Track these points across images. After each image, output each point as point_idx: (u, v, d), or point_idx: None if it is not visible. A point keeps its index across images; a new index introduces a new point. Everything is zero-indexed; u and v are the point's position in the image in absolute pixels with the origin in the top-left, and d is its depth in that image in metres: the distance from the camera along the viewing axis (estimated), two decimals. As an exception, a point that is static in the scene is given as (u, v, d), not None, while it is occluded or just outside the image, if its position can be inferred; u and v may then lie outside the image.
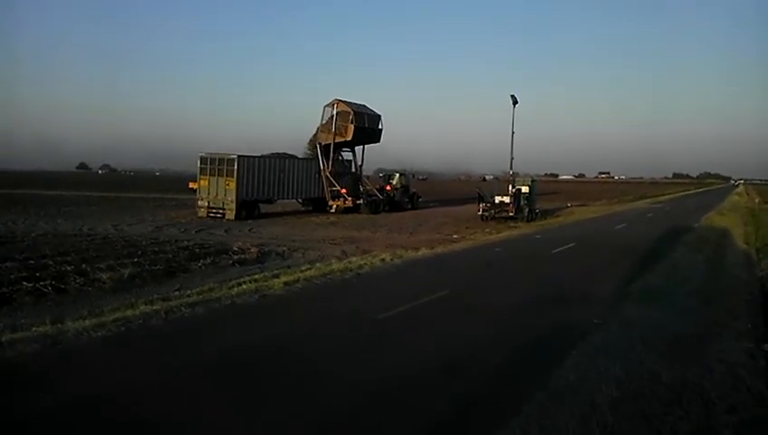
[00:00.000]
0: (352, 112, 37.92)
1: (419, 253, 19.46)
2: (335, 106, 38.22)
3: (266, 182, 34.11)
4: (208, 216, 32.36)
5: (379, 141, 41.27)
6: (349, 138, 37.79)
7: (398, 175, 45.42)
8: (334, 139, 37.78)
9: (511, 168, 36.19)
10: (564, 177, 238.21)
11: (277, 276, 14.24)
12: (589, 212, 44.68)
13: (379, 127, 40.72)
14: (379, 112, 40.80)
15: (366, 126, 39.16)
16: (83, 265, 15.18)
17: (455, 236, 26.01)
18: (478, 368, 8.06)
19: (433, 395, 7.00)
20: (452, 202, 52.76)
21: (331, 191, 38.18)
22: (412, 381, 7.41)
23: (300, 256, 19.05)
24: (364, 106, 39.69)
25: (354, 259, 17.52)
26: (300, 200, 39.46)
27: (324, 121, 38.48)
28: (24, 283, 12.95)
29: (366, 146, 41.57)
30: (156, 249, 19.11)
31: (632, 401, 6.51)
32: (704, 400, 6.66)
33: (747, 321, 10.56)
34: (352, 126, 37.63)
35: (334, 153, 38.68)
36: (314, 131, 39.18)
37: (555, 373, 7.47)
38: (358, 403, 6.71)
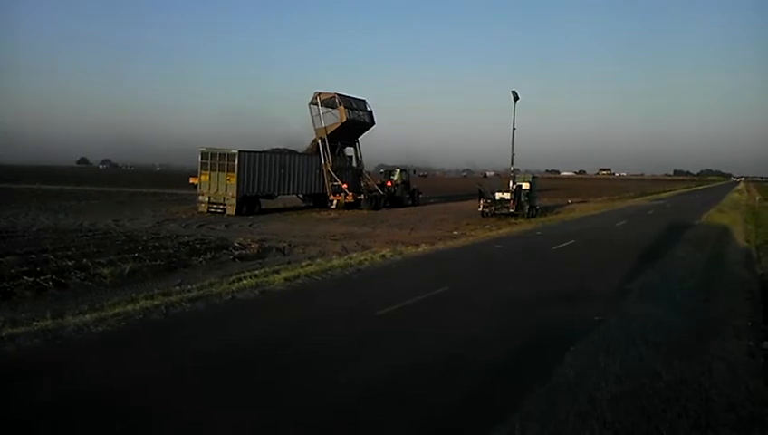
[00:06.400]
0: (336, 96, 38.09)
1: (420, 249, 19.46)
2: (318, 98, 38.27)
3: (267, 178, 34.16)
4: (209, 211, 32.36)
5: (373, 123, 41.37)
6: (343, 119, 37.76)
7: (398, 171, 45.43)
8: (326, 130, 37.90)
9: (512, 164, 36.21)
10: (565, 173, 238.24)
11: (278, 272, 14.26)
12: (589, 209, 44.66)
13: (368, 109, 40.95)
14: (362, 97, 41.12)
15: (354, 107, 39.41)
16: (84, 260, 15.19)
17: (455, 232, 26.01)
18: (477, 364, 8.06)
19: (431, 390, 7.00)
20: (452, 198, 52.77)
21: (332, 186, 38.19)
22: (411, 377, 7.43)
23: (300, 252, 19.05)
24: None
25: (354, 255, 17.53)
26: (300, 196, 39.47)
27: (314, 118, 38.57)
28: (25, 277, 12.96)
29: (366, 143, 41.75)
30: (156, 244, 19.12)
31: (631, 398, 6.52)
32: (703, 397, 6.67)
33: (747, 319, 10.57)
34: (341, 106, 37.79)
35: (334, 143, 38.77)
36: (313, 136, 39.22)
37: (555, 370, 7.48)
38: (356, 398, 6.73)
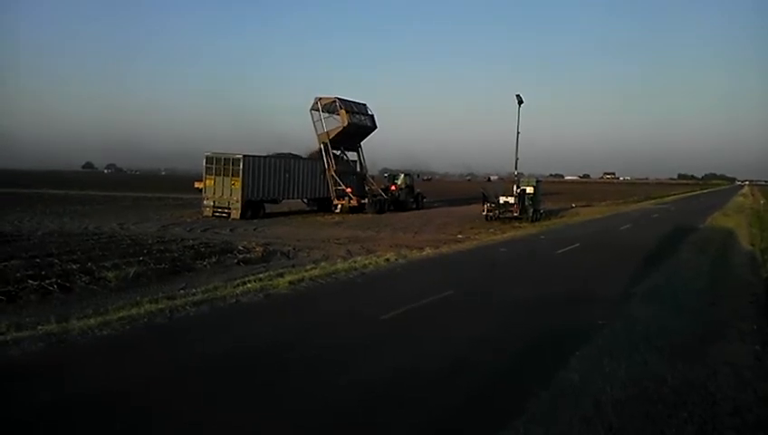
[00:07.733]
0: (336, 100, 38.21)
1: (424, 253, 19.45)
2: (319, 103, 38.39)
3: (272, 182, 34.24)
4: (214, 215, 32.47)
5: (375, 127, 41.40)
6: (345, 122, 37.83)
7: (402, 175, 45.45)
8: (329, 135, 38.02)
9: (516, 168, 36.21)
10: (569, 177, 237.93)
11: (282, 276, 14.26)
12: (593, 213, 44.52)
13: (369, 113, 41.04)
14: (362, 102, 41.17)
15: (355, 111, 39.51)
16: (89, 264, 15.24)
17: (459, 236, 25.98)
18: (481, 368, 8.04)
19: (434, 394, 6.99)
20: (456, 202, 52.72)
21: (336, 190, 38.26)
22: (415, 380, 7.41)
23: (305, 256, 19.07)
24: None
25: (359, 259, 17.52)
26: (305, 200, 39.54)
27: (316, 123, 38.64)
28: (30, 281, 13.01)
29: (368, 148, 41.80)
30: (161, 248, 19.17)
31: (636, 402, 6.50)
32: (708, 401, 6.64)
33: (752, 322, 10.50)
34: (343, 110, 37.92)
35: (337, 148, 38.86)
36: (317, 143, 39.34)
37: (559, 374, 7.45)
38: (359, 401, 6.72)
